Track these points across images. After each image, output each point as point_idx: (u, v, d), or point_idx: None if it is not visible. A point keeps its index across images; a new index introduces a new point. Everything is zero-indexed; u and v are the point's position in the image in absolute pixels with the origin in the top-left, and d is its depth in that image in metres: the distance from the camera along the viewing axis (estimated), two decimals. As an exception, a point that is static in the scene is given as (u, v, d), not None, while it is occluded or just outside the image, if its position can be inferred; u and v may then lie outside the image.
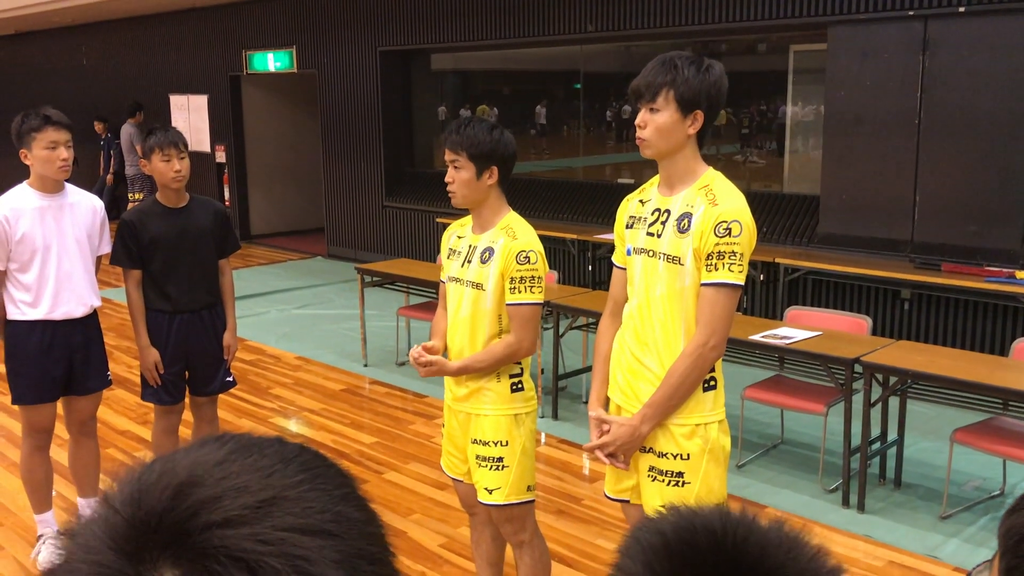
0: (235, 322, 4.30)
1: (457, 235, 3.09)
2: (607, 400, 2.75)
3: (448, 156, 2.92)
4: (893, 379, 4.38)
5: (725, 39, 8.03)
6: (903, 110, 6.23)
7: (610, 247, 7.59)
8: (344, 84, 10.64)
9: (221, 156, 12.46)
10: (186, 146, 4.07)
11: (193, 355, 4.19)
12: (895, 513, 4.39)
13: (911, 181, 6.28)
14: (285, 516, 0.60)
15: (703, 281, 2.49)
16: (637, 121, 2.57)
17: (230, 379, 4.37)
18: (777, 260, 6.55)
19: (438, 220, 9.12)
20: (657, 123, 2.51)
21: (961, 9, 5.93)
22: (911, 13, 6.12)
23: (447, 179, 2.93)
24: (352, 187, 10.91)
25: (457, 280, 3.00)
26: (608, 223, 7.87)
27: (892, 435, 4.75)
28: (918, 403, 5.50)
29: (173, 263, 4.06)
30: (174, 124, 12.67)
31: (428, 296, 6.99)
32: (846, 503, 4.45)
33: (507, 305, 2.90)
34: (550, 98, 9.93)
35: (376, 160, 10.50)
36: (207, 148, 12.62)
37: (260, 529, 0.58)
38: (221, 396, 4.55)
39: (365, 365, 6.88)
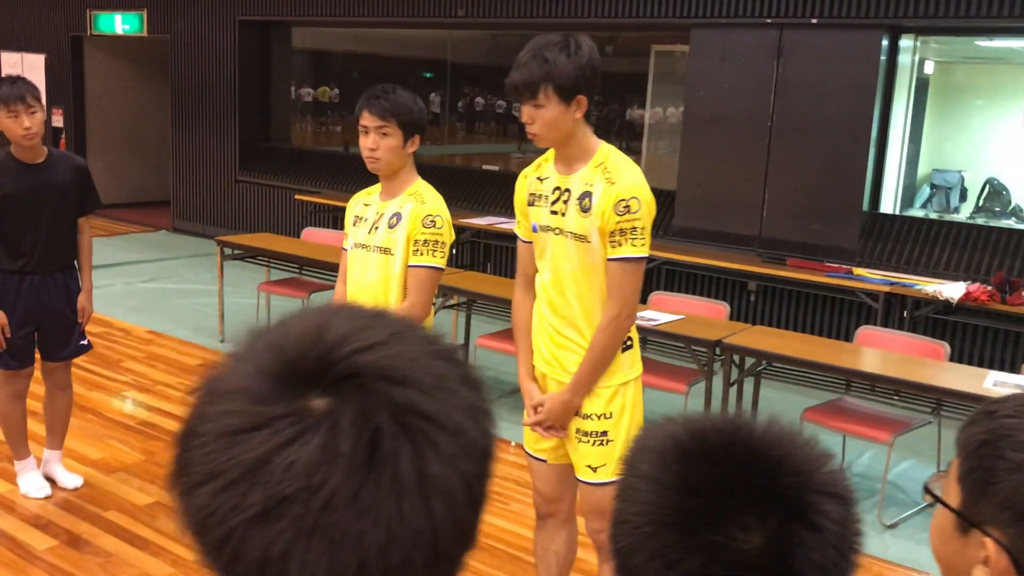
0: (91, 283, 4.11)
1: (364, 203, 3.09)
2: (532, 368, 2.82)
3: (373, 122, 2.88)
4: (750, 360, 4.67)
5: (592, 35, 8.24)
6: (757, 112, 6.61)
7: (473, 231, 7.71)
8: (199, 52, 10.25)
9: (59, 120, 11.75)
10: (37, 99, 3.80)
11: (45, 318, 3.97)
12: (747, 487, 4.68)
13: (761, 180, 6.67)
14: (416, 343, 0.67)
15: (609, 257, 2.60)
16: (524, 118, 2.61)
17: (85, 342, 4.16)
18: (636, 249, 6.80)
19: (297, 197, 8.94)
20: (544, 118, 2.55)
21: (813, 20, 6.34)
22: (768, 21, 6.50)
23: (370, 145, 2.90)
24: (203, 160, 10.53)
25: (364, 246, 3.00)
26: (473, 208, 7.96)
27: (744, 415, 5.06)
28: (768, 386, 5.87)
29: (29, 222, 3.83)
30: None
31: (290, 271, 6.87)
32: (703, 477, 4.71)
33: (408, 267, 2.92)
34: (405, 83, 9.92)
35: (230, 133, 10.17)
36: (42, 111, 11.86)
37: (399, 350, 0.65)
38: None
39: (222, 341, 6.70)
